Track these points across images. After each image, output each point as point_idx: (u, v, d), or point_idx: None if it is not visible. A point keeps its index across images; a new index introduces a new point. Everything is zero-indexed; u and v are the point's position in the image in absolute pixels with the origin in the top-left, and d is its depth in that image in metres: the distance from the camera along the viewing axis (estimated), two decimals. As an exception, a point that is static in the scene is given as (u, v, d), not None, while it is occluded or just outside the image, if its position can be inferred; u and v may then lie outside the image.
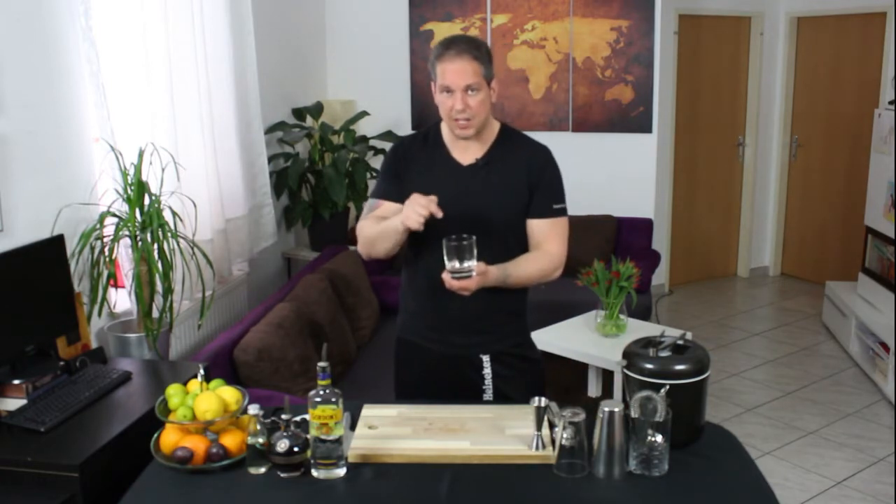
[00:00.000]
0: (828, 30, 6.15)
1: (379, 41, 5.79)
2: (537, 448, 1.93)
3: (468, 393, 2.36)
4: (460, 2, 5.64)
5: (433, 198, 2.09)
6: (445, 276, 2.09)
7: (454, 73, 2.16)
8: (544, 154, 2.34)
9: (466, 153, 2.31)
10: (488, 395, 2.37)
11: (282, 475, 1.89)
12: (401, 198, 2.24)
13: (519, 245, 2.32)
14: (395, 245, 2.22)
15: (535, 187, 2.29)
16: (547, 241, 2.30)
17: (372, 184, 5.09)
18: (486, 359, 2.36)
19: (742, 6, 6.19)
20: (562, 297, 4.29)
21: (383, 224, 2.22)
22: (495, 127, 2.34)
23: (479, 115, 2.21)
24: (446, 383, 2.37)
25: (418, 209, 2.07)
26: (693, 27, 6.04)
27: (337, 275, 4.00)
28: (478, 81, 2.17)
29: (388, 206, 2.31)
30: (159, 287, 3.12)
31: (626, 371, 1.99)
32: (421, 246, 2.30)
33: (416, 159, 2.33)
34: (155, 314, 3.15)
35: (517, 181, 2.29)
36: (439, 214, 2.07)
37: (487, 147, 2.31)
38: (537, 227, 2.30)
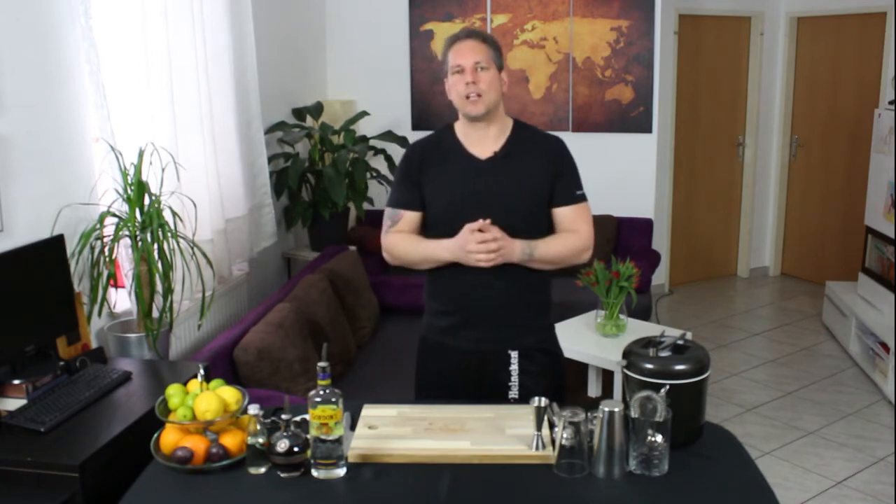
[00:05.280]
0: (828, 30, 6.15)
1: (379, 41, 5.79)
2: (537, 448, 1.94)
3: (493, 390, 2.36)
4: (460, 2, 5.64)
5: (477, 223, 2.16)
6: (470, 246, 2.16)
7: (463, 51, 2.26)
8: (560, 144, 2.41)
9: (483, 147, 2.33)
10: (514, 392, 2.37)
11: (282, 475, 1.89)
12: (420, 206, 2.34)
13: (539, 235, 2.35)
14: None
15: (557, 176, 2.34)
16: (574, 225, 2.37)
17: (372, 184, 5.08)
18: (514, 355, 2.37)
19: (742, 6, 6.19)
20: (562, 297, 4.24)
21: (427, 249, 2.30)
22: (509, 122, 2.39)
23: (490, 94, 2.26)
24: (471, 381, 2.37)
25: (484, 249, 2.15)
26: (693, 27, 6.03)
27: (337, 275, 4.00)
28: (486, 59, 2.26)
29: (409, 217, 2.36)
30: (159, 287, 3.12)
31: (626, 371, 1.99)
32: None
33: (431, 160, 2.35)
34: (155, 314, 3.15)
35: (538, 171, 2.33)
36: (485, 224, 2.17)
37: (504, 140, 2.34)
38: (564, 214, 2.36)
